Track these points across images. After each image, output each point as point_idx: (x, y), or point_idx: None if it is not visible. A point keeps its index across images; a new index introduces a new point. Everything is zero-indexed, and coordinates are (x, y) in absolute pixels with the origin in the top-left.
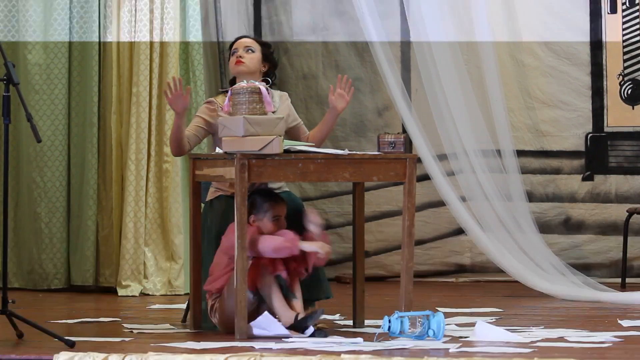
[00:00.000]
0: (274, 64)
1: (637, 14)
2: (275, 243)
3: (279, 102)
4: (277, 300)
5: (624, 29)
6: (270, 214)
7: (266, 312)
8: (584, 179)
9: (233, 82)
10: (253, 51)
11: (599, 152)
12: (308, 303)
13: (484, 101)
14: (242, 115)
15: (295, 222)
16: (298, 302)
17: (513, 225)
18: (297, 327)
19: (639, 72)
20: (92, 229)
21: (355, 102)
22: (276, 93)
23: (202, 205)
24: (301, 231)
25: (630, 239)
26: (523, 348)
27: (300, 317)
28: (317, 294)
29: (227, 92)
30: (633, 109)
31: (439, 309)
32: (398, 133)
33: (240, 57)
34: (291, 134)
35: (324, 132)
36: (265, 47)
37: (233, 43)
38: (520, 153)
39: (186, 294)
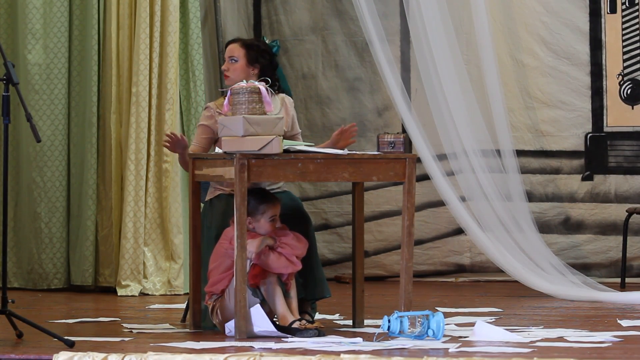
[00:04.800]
0: (263, 63)
1: (637, 14)
2: (281, 265)
3: (280, 105)
4: (279, 300)
5: (623, 29)
6: (267, 215)
7: (258, 306)
8: (583, 179)
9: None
10: (236, 60)
11: (599, 152)
12: (307, 302)
13: (483, 101)
14: (242, 115)
15: (294, 222)
16: (292, 302)
17: (513, 225)
18: (287, 330)
19: (638, 72)
20: (91, 228)
21: (355, 102)
22: (279, 96)
23: (202, 204)
24: (299, 231)
25: (630, 239)
26: (522, 348)
27: (294, 325)
28: (315, 293)
29: (225, 92)
30: (632, 108)
31: (438, 308)
32: (398, 133)
33: (225, 70)
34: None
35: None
36: (251, 49)
37: (226, 46)
38: (520, 153)
39: (186, 294)
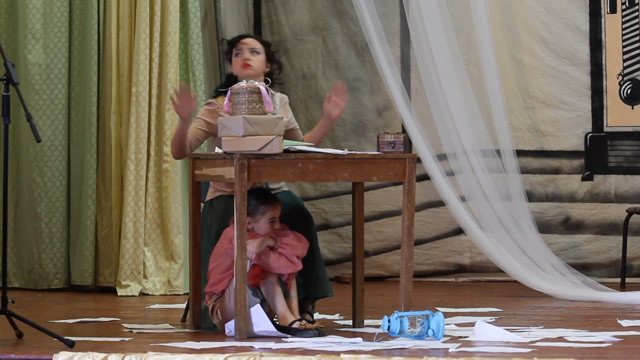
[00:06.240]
0: (278, 63)
1: (637, 14)
2: (281, 266)
3: (279, 105)
4: (279, 300)
5: (623, 29)
6: (266, 216)
7: (258, 305)
8: (583, 179)
9: (228, 80)
10: (258, 53)
11: (599, 152)
12: (308, 301)
13: (483, 101)
14: (242, 115)
15: (296, 221)
16: (292, 302)
17: (513, 225)
18: (287, 331)
19: (638, 72)
20: (91, 228)
21: (355, 102)
22: (277, 95)
23: (202, 205)
24: (300, 230)
25: (630, 239)
26: (522, 348)
27: (294, 325)
28: (316, 292)
29: (226, 91)
30: (632, 108)
31: (438, 308)
32: (398, 133)
33: (248, 59)
34: (287, 137)
35: (319, 137)
36: (268, 47)
37: (235, 41)
38: (520, 153)
39: (186, 294)
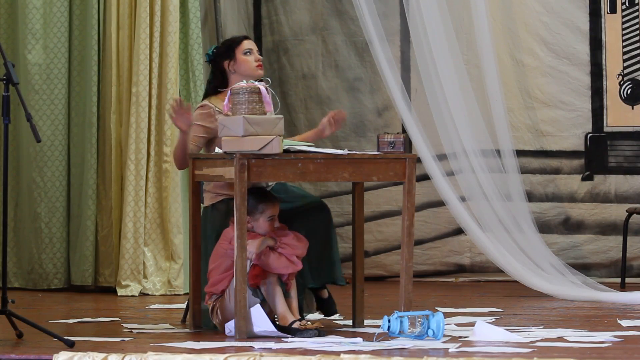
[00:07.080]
0: None
1: (637, 14)
2: (281, 266)
3: None
4: (279, 300)
5: (623, 29)
6: (265, 215)
7: (258, 305)
8: (583, 179)
9: (223, 77)
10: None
11: (599, 152)
12: (318, 290)
13: (483, 101)
14: (242, 115)
15: (315, 211)
16: (293, 302)
17: (512, 225)
18: (287, 331)
19: (638, 72)
20: (91, 228)
21: (355, 102)
22: None
23: (202, 206)
24: (321, 219)
25: (630, 239)
26: (522, 348)
27: (294, 325)
28: (326, 278)
29: (219, 92)
30: (632, 108)
31: (438, 308)
32: (398, 133)
33: (260, 60)
34: None
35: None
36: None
37: (238, 40)
38: (520, 153)
39: (186, 294)
